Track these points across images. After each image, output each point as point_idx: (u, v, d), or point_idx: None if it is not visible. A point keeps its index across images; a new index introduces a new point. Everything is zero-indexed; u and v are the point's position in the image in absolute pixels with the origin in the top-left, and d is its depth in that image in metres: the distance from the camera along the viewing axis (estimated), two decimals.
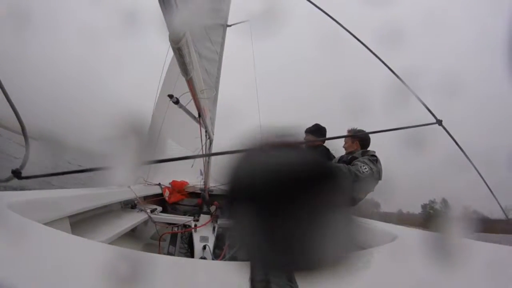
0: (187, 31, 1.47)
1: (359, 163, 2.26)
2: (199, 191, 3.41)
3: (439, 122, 1.23)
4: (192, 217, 2.42)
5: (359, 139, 2.61)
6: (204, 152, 3.16)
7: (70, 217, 1.31)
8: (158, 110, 3.88)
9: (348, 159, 2.45)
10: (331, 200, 0.29)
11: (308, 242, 0.27)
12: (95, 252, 0.63)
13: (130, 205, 2.34)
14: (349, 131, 2.70)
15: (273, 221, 0.27)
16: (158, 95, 3.92)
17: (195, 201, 3.34)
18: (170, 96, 2.15)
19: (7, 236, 0.63)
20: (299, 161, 0.28)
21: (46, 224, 0.96)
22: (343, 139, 2.76)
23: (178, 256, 2.16)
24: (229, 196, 0.29)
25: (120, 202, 2.23)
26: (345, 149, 2.75)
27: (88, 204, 1.54)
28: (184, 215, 2.71)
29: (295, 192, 0.27)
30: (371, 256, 0.82)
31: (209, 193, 3.28)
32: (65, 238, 0.73)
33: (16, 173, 0.94)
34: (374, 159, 2.33)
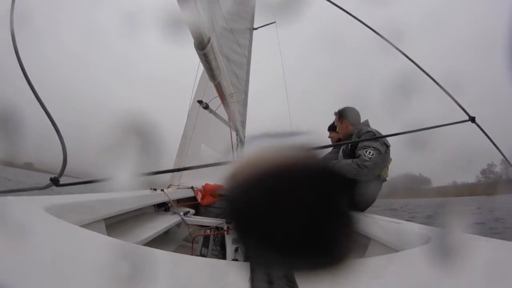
0: (212, 36, 1.49)
1: (361, 151, 2.17)
2: None
3: (472, 119, 1.15)
4: (225, 219, 2.44)
5: (345, 119, 2.54)
6: (235, 154, 3.18)
7: (105, 219, 1.35)
8: (191, 116, 3.98)
9: (350, 150, 2.36)
10: (335, 205, 0.28)
11: (310, 244, 0.26)
12: (129, 253, 0.65)
13: (163, 208, 2.39)
14: (335, 113, 2.67)
15: (275, 224, 0.26)
16: (192, 101, 4.02)
17: None
18: (200, 102, 2.19)
19: (45, 237, 0.67)
20: (306, 172, 0.28)
21: (82, 226, 0.99)
22: (335, 124, 2.69)
23: (210, 257, 2.19)
24: (231, 199, 0.28)
25: (154, 205, 2.29)
26: (340, 133, 2.68)
27: (123, 207, 1.58)
28: (217, 217, 2.74)
29: (300, 201, 0.27)
30: (402, 258, 0.78)
31: None
32: (100, 239, 0.75)
33: (55, 181, 0.99)
34: (372, 136, 2.23)
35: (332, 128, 3.20)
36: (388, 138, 2.22)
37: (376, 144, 2.15)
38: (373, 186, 2.26)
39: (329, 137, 3.29)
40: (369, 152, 2.13)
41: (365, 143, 2.18)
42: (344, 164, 2.23)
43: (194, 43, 1.32)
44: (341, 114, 2.59)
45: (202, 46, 1.33)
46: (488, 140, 1.15)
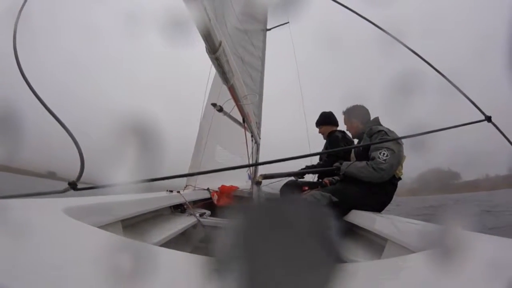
0: (224, 39, 1.50)
1: (375, 153, 2.13)
2: (247, 195, 3.46)
3: (488, 119, 1.11)
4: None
5: (354, 117, 2.49)
6: (250, 155, 3.21)
7: (122, 221, 1.36)
8: (206, 118, 4.00)
9: (362, 149, 2.33)
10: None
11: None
12: (146, 254, 0.66)
13: (180, 209, 2.40)
14: (344, 112, 2.61)
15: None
16: (205, 104, 4.03)
17: None
18: (214, 105, 2.22)
19: (63, 238, 0.68)
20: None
21: (100, 227, 0.98)
22: (345, 124, 2.65)
23: None
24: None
25: (170, 207, 2.30)
26: (350, 132, 2.64)
27: (140, 208, 1.59)
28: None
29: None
30: (419, 259, 0.77)
31: None
32: (117, 240, 0.75)
33: (72, 185, 1.00)
34: (383, 135, 2.19)
35: (319, 123, 3.18)
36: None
37: (389, 144, 2.12)
38: (388, 186, 2.22)
39: (319, 132, 3.27)
40: (383, 154, 2.09)
41: (378, 145, 2.14)
42: (359, 167, 2.21)
43: (205, 47, 1.34)
44: (350, 113, 2.55)
45: (213, 50, 1.35)
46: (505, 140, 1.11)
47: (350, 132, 2.66)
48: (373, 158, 2.14)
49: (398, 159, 2.13)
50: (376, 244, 1.51)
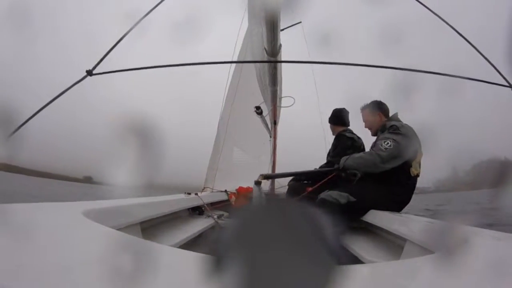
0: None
1: (379, 141, 2.12)
2: (264, 196, 3.42)
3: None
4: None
5: (378, 112, 2.38)
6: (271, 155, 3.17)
7: (141, 223, 1.36)
8: (223, 121, 4.05)
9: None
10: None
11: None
12: (164, 255, 0.64)
13: (197, 212, 2.41)
14: (364, 108, 2.50)
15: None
16: (223, 105, 4.08)
17: None
18: (257, 108, 2.23)
19: (82, 240, 0.70)
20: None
21: (119, 229, 1.01)
22: (366, 120, 2.50)
23: None
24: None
25: (189, 209, 2.31)
26: (370, 130, 2.50)
27: (158, 211, 1.60)
28: None
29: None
30: (438, 260, 0.74)
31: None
32: (136, 242, 0.77)
33: (89, 72, 1.04)
34: (395, 129, 2.13)
35: (329, 120, 3.05)
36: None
37: (398, 137, 2.08)
38: (406, 186, 2.16)
39: (330, 127, 3.13)
40: (387, 143, 2.07)
41: (386, 135, 2.13)
42: (356, 157, 2.21)
43: (266, 51, 1.27)
44: (373, 107, 2.43)
45: (275, 53, 1.27)
46: None
47: (371, 129, 2.51)
48: (376, 145, 2.15)
49: (401, 152, 2.06)
50: (395, 245, 1.51)
